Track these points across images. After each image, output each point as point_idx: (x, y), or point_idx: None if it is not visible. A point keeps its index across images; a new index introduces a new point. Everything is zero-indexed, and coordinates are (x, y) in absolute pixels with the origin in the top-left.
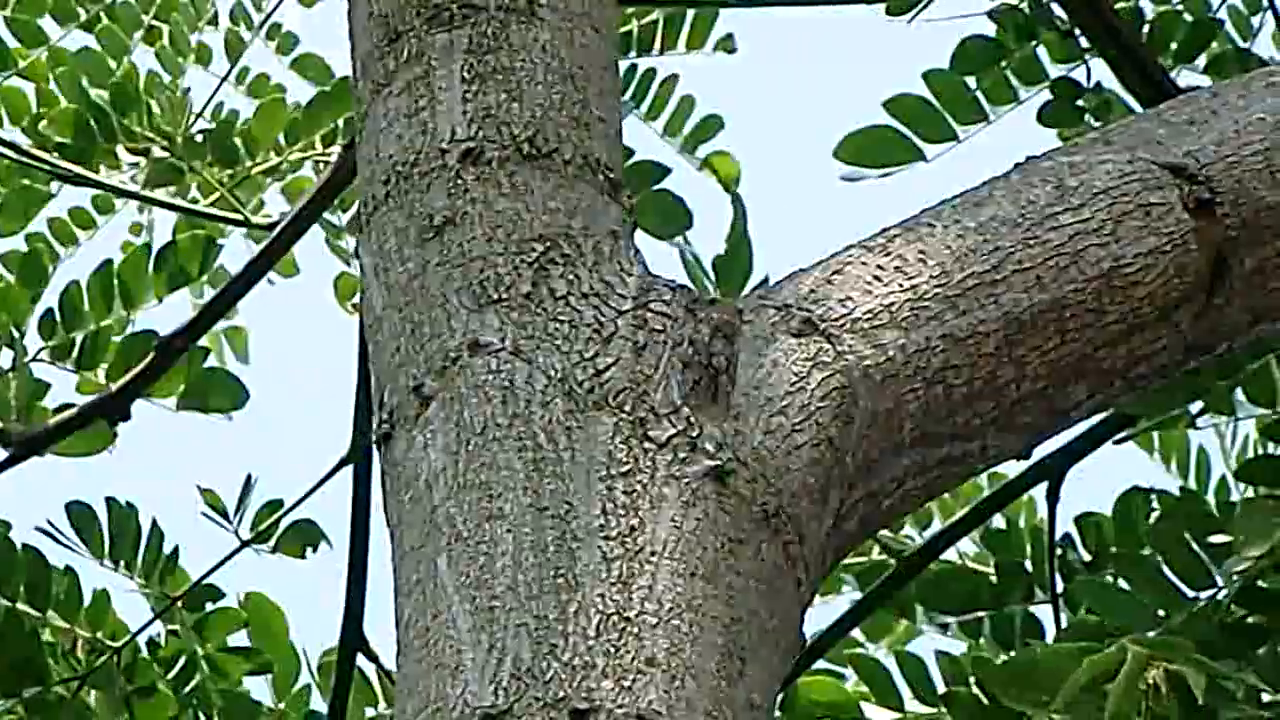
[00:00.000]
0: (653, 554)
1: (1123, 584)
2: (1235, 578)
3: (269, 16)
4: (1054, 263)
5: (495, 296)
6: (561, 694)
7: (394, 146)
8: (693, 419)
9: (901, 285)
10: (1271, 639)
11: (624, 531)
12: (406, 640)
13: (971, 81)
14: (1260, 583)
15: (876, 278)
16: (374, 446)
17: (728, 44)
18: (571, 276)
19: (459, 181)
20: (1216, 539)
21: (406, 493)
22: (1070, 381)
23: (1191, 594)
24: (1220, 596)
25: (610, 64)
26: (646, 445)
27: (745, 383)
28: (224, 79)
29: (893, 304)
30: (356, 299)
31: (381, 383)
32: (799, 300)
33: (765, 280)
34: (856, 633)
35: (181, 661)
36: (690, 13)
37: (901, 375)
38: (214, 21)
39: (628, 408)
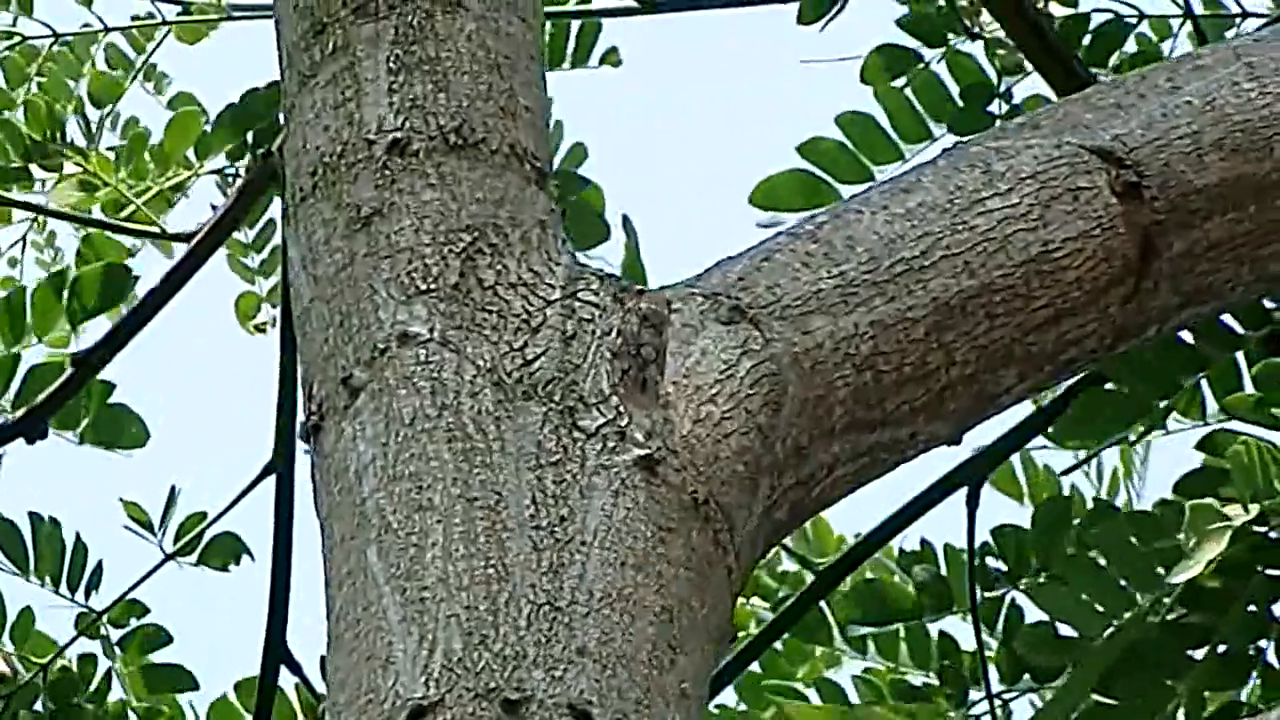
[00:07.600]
0: (583, 543)
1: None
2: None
3: (147, 58)
4: (982, 248)
5: (423, 287)
6: (493, 684)
7: (321, 138)
8: (622, 408)
9: (830, 272)
10: (1212, 639)
11: (554, 521)
12: (337, 632)
13: (884, 121)
14: (1200, 583)
15: (805, 264)
16: (304, 438)
17: (613, 57)
18: (499, 266)
19: (386, 172)
20: (1160, 543)
21: (336, 484)
22: (1000, 367)
23: (1139, 597)
24: (1166, 599)
25: (536, 54)
26: (576, 435)
27: (674, 371)
28: (100, 121)
29: (821, 290)
30: (259, 319)
31: (310, 374)
32: (727, 288)
33: None
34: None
35: (98, 679)
36: (575, 27)
37: (831, 362)
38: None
39: (557, 397)
